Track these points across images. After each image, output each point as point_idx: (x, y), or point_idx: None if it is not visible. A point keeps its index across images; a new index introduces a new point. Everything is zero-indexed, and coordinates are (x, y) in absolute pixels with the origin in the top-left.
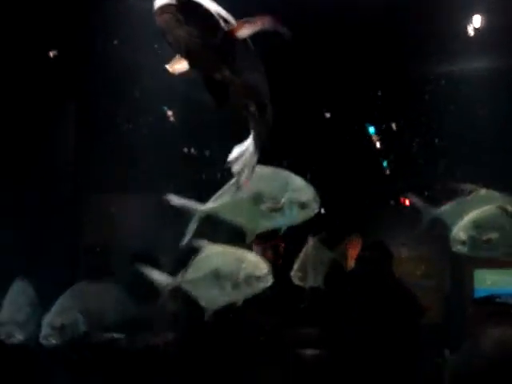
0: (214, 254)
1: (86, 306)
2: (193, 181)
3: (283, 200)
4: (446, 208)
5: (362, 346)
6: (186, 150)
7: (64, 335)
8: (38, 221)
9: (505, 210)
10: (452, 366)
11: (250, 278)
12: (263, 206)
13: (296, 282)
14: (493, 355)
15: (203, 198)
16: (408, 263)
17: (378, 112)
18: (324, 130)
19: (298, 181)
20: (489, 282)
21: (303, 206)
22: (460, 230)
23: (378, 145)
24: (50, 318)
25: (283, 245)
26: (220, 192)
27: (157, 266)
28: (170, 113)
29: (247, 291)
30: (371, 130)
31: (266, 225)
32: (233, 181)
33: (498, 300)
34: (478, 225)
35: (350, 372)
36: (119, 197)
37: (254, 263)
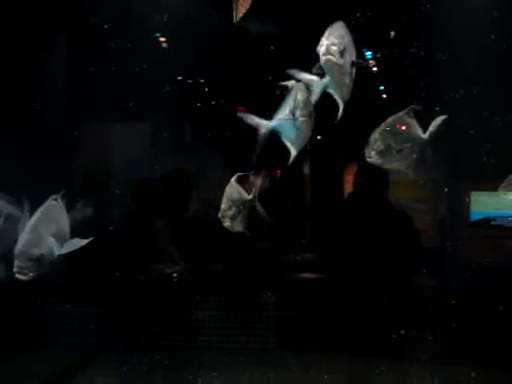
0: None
1: (57, 228)
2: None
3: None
4: None
5: (360, 270)
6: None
7: (42, 266)
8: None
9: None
10: None
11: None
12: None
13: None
14: None
15: None
16: (403, 186)
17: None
18: None
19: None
20: (484, 204)
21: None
22: (376, 140)
23: (373, 68)
24: (26, 249)
25: (279, 174)
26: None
27: (152, 192)
28: (164, 40)
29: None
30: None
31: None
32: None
33: (493, 222)
34: (393, 132)
35: (348, 295)
36: (114, 125)
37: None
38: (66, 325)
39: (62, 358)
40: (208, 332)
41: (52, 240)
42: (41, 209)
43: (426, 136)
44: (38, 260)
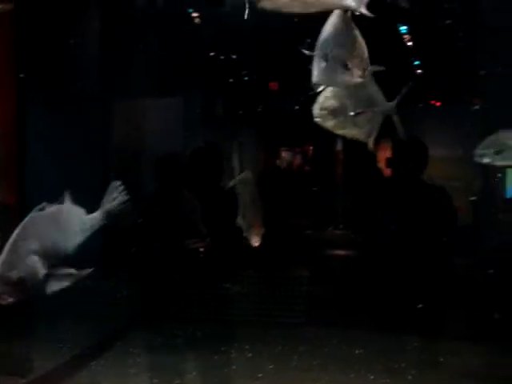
0: None
1: (42, 243)
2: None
3: None
4: None
5: (396, 248)
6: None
7: (24, 289)
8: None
9: None
10: None
11: None
12: None
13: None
14: None
15: None
16: (439, 163)
17: None
18: None
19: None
20: None
21: None
22: (327, 98)
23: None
24: (2, 272)
25: (311, 150)
26: None
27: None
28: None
29: None
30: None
31: None
32: None
33: None
34: (350, 93)
35: (382, 271)
36: (146, 100)
37: None
38: (98, 299)
39: (95, 331)
40: (236, 306)
41: (35, 259)
42: (22, 223)
43: (393, 104)
44: (18, 284)
